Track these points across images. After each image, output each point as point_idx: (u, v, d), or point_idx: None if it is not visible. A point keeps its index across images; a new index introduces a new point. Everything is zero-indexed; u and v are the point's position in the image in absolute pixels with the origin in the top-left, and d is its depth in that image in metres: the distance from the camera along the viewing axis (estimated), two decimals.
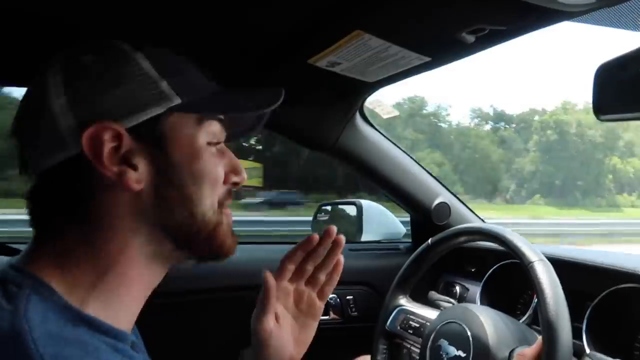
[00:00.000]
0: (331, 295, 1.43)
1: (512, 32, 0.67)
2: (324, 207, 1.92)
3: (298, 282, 0.78)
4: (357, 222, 1.67)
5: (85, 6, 0.75)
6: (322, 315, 1.38)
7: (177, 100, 0.56)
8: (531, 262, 0.82)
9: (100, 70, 0.55)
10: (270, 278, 0.72)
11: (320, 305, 0.79)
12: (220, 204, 0.61)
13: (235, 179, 0.63)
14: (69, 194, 0.55)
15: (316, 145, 1.28)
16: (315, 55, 0.81)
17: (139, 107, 0.54)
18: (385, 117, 1.30)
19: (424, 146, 28.44)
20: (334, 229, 0.76)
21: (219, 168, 0.60)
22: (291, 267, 0.77)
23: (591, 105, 0.64)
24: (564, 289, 0.79)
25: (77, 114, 0.53)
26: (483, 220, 1.53)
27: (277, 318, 0.74)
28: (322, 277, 0.79)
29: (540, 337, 0.79)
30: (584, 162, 31.09)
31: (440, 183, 1.46)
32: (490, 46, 0.72)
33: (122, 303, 0.55)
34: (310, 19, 0.74)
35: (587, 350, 0.92)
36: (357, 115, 1.24)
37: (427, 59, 0.77)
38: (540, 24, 0.66)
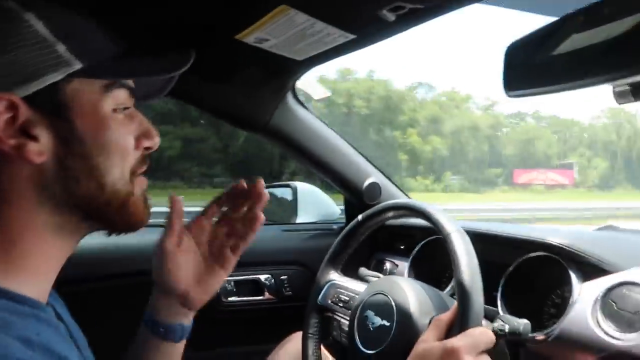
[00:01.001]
0: (265, 276, 1.46)
1: (431, 11, 0.70)
2: None
3: (218, 226, 0.76)
4: (292, 204, 1.69)
5: None
6: (257, 296, 1.43)
7: (77, 65, 0.53)
8: (449, 233, 0.86)
9: None
10: (177, 202, 0.72)
11: (230, 257, 0.76)
12: (133, 173, 0.59)
13: (147, 143, 0.61)
14: None
15: (247, 125, 1.28)
16: (242, 31, 0.81)
17: (34, 74, 0.50)
18: (316, 98, 1.31)
19: None
20: (261, 182, 0.74)
21: (127, 135, 0.58)
22: (214, 210, 0.76)
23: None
24: (480, 260, 0.84)
25: None
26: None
27: (180, 244, 0.72)
28: (239, 228, 0.76)
29: (455, 303, 0.84)
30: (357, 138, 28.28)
31: (372, 164, 1.50)
32: (412, 25, 0.75)
33: (31, 277, 0.53)
34: None
35: (501, 313, 0.99)
36: (290, 96, 1.25)
37: (352, 36, 0.79)
38: (458, 3, 0.70)
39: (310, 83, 1.25)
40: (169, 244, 0.71)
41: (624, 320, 0.81)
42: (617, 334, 0.80)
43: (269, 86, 1.18)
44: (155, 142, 0.62)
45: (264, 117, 1.24)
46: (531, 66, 0.67)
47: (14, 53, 0.50)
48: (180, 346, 0.77)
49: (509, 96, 0.70)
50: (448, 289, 1.16)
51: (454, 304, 0.94)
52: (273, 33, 0.80)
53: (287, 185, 1.74)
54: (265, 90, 1.19)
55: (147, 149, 0.61)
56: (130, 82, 0.59)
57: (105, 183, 0.56)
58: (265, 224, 1.69)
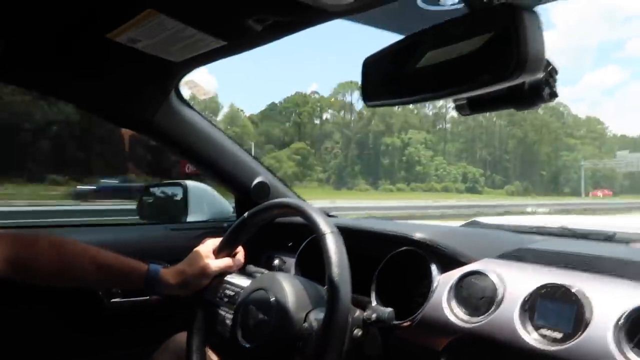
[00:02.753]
0: None
1: (295, 25, 0.74)
2: (151, 189, 1.88)
3: None
4: (183, 202, 1.67)
5: None
6: (143, 296, 1.40)
7: None
8: (324, 234, 0.92)
9: None
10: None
11: None
12: None
13: None
14: None
15: (129, 124, 1.25)
16: (113, 30, 0.80)
17: None
18: (201, 98, 1.32)
19: None
20: None
21: None
22: None
23: None
24: (356, 255, 0.90)
25: None
26: (302, 199, 1.65)
27: None
28: None
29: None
30: None
31: (261, 163, 1.53)
32: (279, 37, 0.78)
33: None
34: None
35: (373, 303, 1.06)
36: (173, 96, 1.24)
37: (223, 43, 0.81)
38: (321, 18, 0.74)
39: (194, 83, 1.24)
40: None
41: (472, 305, 0.91)
42: (466, 318, 0.90)
43: (150, 85, 1.16)
44: None
45: (147, 116, 1.22)
46: (385, 79, 0.73)
47: None
48: None
49: (368, 105, 0.76)
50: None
51: None
52: (144, 35, 0.80)
53: (178, 184, 1.71)
54: (147, 89, 1.17)
55: None
56: None
57: None
58: (152, 223, 1.68)
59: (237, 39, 0.80)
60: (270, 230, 1.26)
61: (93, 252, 1.02)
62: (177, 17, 0.72)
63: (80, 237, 1.37)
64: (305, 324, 0.90)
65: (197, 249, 1.13)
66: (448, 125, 69.49)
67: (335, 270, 0.86)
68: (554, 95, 0.60)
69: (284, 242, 1.52)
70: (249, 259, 1.25)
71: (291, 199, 1.28)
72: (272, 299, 0.95)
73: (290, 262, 1.42)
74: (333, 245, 0.89)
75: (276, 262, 1.48)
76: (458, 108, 0.73)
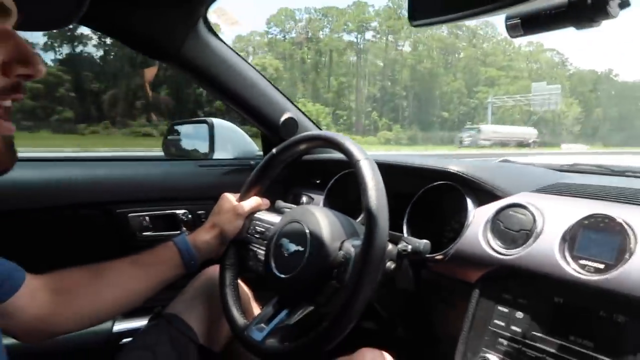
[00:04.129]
0: (182, 211, 1.45)
1: None
2: (175, 127, 1.87)
3: None
4: (209, 140, 1.67)
5: None
6: (173, 231, 1.42)
7: None
8: (358, 160, 0.91)
9: None
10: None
11: None
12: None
13: (22, 70, 0.52)
14: None
15: (157, 54, 1.22)
16: None
17: None
18: (229, 27, 1.28)
19: None
20: None
21: None
22: None
23: None
24: (388, 190, 0.89)
25: None
26: None
27: None
28: None
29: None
30: None
31: (289, 99, 1.50)
32: None
33: None
34: None
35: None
36: (201, 24, 1.20)
37: None
38: None
39: (223, 10, 1.20)
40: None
41: (509, 238, 0.90)
42: (502, 250, 0.90)
43: (179, 12, 1.13)
44: (36, 69, 0.53)
45: (175, 45, 1.19)
46: None
47: None
48: None
49: (414, 25, 0.72)
50: (360, 217, 1.22)
51: (363, 228, 1.00)
52: None
53: (204, 122, 1.70)
54: (175, 16, 1.14)
55: (22, 76, 0.53)
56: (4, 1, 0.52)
57: None
58: (180, 159, 1.69)
59: None
60: (296, 167, 1.25)
61: (127, 260, 1.01)
62: None
63: (110, 171, 1.39)
64: (341, 252, 0.91)
65: (222, 196, 1.16)
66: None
67: (372, 195, 0.85)
68: (625, 4, 0.54)
69: (310, 179, 1.52)
70: (274, 196, 1.26)
71: (321, 131, 1.26)
72: (306, 230, 0.96)
73: (318, 199, 1.42)
74: (369, 171, 0.88)
75: (304, 199, 1.49)
76: (510, 28, 0.69)
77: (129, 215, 1.35)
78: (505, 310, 0.85)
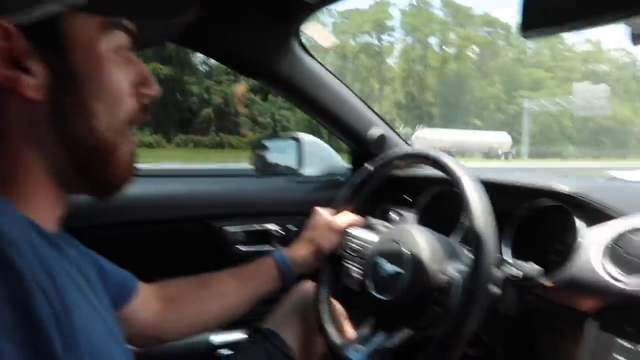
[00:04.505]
0: (274, 226, 1.48)
1: None
2: (264, 142, 1.92)
3: None
4: (298, 156, 1.69)
5: None
6: (266, 245, 1.45)
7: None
8: (461, 179, 0.88)
9: None
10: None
11: None
12: (128, 123, 0.57)
13: (145, 90, 0.59)
14: None
15: (251, 71, 1.26)
16: None
17: (33, 1, 0.48)
18: (325, 45, 1.29)
19: None
20: None
21: (123, 79, 0.56)
22: None
23: None
24: None
25: None
26: None
27: None
28: None
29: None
30: None
31: (377, 114, 1.49)
32: None
33: (33, 213, 0.52)
34: None
35: (509, 260, 1.01)
36: (295, 41, 1.23)
37: None
38: None
39: (317, 30, 1.22)
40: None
41: (630, 265, 0.83)
42: (624, 279, 0.82)
43: (274, 31, 1.16)
44: (154, 90, 0.60)
45: (268, 64, 1.22)
46: (548, 3, 0.65)
47: None
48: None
49: (525, 36, 0.68)
50: (457, 236, 1.18)
51: (464, 251, 0.96)
52: None
53: (293, 138, 1.72)
54: (270, 35, 1.17)
55: (144, 97, 0.59)
56: (131, 25, 0.57)
57: (94, 126, 0.54)
58: (271, 175, 1.72)
59: None
60: (385, 183, 1.23)
61: (228, 272, 1.04)
62: None
63: (207, 186, 1.45)
64: (444, 276, 0.88)
65: (315, 210, 1.16)
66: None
67: (480, 218, 0.82)
68: None
69: (397, 194, 1.50)
70: (363, 212, 1.25)
71: (421, 148, 1.24)
72: (406, 250, 0.94)
73: (408, 216, 1.39)
74: (474, 193, 0.85)
75: (393, 215, 1.46)
76: (636, 38, 0.64)
77: (225, 229, 1.39)
78: (628, 345, 0.78)
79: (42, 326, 0.40)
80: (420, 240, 0.94)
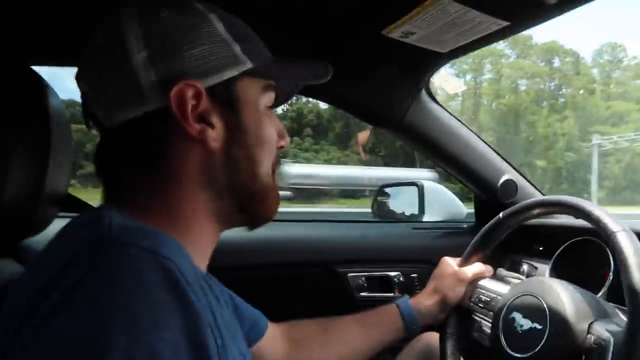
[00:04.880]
0: (395, 273, 1.45)
1: None
2: (384, 189, 1.93)
3: None
4: (419, 202, 1.67)
5: None
6: (386, 292, 1.43)
7: (249, 65, 0.58)
8: (614, 232, 0.80)
9: (180, 28, 0.55)
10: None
11: None
12: (273, 168, 0.64)
13: (282, 142, 0.66)
14: (145, 147, 0.56)
15: (381, 123, 1.28)
16: (390, 25, 0.81)
17: (216, 68, 0.56)
18: (451, 92, 1.28)
19: None
20: None
21: (274, 133, 0.63)
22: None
23: None
24: None
25: (158, 70, 0.54)
26: None
27: None
28: None
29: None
30: None
31: (506, 161, 1.43)
32: (576, 6, 0.69)
33: (192, 251, 0.56)
34: None
35: None
36: (423, 92, 1.23)
37: (506, 23, 0.76)
38: None
39: (443, 77, 1.22)
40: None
41: None
42: None
43: (404, 82, 1.17)
44: (287, 141, 0.67)
45: (398, 114, 1.23)
46: None
47: (202, 48, 0.55)
48: None
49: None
50: (600, 293, 1.07)
51: (614, 310, 0.87)
52: (421, 25, 0.79)
53: (414, 184, 1.72)
54: (401, 86, 1.18)
55: (281, 147, 0.66)
56: (276, 85, 0.64)
57: (257, 173, 0.61)
58: (393, 222, 1.71)
59: (522, 16, 0.74)
60: (516, 231, 1.16)
61: (351, 318, 1.04)
62: (463, 0, 0.69)
63: (331, 232, 1.48)
64: (591, 335, 0.79)
65: (443, 259, 1.13)
66: None
67: (635, 273, 0.73)
68: None
69: (530, 245, 1.40)
70: (492, 262, 1.18)
71: (559, 196, 1.16)
72: (545, 305, 0.86)
73: (542, 268, 1.29)
74: (630, 245, 0.77)
75: (525, 267, 1.37)
76: None
77: (349, 275, 1.40)
78: None
79: None
80: (563, 294, 0.86)
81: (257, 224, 0.65)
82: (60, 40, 0.98)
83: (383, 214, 1.83)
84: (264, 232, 1.22)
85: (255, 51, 0.60)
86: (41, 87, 0.68)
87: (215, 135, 0.56)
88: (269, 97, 0.62)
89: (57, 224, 0.63)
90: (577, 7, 0.70)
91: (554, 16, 0.73)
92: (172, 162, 0.56)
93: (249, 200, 0.61)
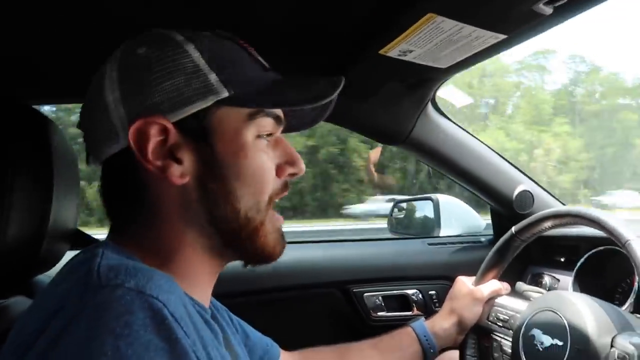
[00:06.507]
0: (413, 290, 1.43)
1: None
2: (399, 204, 1.91)
3: None
4: (435, 217, 1.65)
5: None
6: (405, 311, 1.40)
7: (225, 94, 0.55)
8: (628, 240, 0.77)
9: (152, 63, 0.54)
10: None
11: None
12: (270, 200, 0.60)
13: (291, 170, 0.62)
14: (126, 182, 0.56)
15: (389, 139, 1.28)
16: (386, 45, 0.81)
17: (185, 101, 0.54)
18: (458, 105, 1.27)
19: None
20: None
21: (268, 163, 0.59)
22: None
23: None
24: None
25: (127, 108, 0.54)
26: None
27: None
28: None
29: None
30: None
31: (521, 171, 1.41)
32: (571, 16, 0.68)
33: (189, 286, 0.56)
34: (381, 7, 0.74)
35: None
36: (430, 106, 1.23)
37: (503, 36, 0.75)
38: None
39: (450, 91, 1.21)
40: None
41: None
42: None
43: (409, 98, 1.17)
44: (300, 168, 0.63)
45: (405, 130, 1.22)
46: None
47: (172, 81, 0.54)
48: None
49: None
50: (626, 305, 1.03)
51: (636, 320, 0.83)
52: (417, 43, 0.79)
53: (429, 198, 1.70)
54: (406, 102, 1.18)
55: (291, 175, 0.62)
56: (277, 111, 0.60)
57: (239, 209, 0.57)
58: (409, 238, 1.69)
59: (519, 29, 0.73)
60: (536, 243, 1.13)
61: (368, 343, 1.02)
62: (457, 16, 0.69)
63: (345, 251, 1.47)
64: (615, 349, 0.76)
65: (457, 279, 1.11)
66: None
67: None
68: None
69: (551, 256, 1.36)
70: (511, 277, 1.15)
71: (574, 207, 1.14)
72: (564, 320, 0.84)
73: (565, 280, 1.25)
74: None
75: (547, 280, 1.33)
76: None
77: (365, 295, 1.38)
78: None
79: None
80: (583, 308, 0.83)
81: (254, 261, 0.62)
82: (63, 82, 1.01)
83: (398, 229, 1.81)
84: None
85: (238, 77, 0.56)
86: (43, 124, 0.69)
87: (180, 170, 0.55)
88: (260, 125, 0.58)
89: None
90: (573, 16, 0.69)
91: (550, 26, 0.72)
92: (153, 197, 0.56)
93: (234, 236, 0.58)
